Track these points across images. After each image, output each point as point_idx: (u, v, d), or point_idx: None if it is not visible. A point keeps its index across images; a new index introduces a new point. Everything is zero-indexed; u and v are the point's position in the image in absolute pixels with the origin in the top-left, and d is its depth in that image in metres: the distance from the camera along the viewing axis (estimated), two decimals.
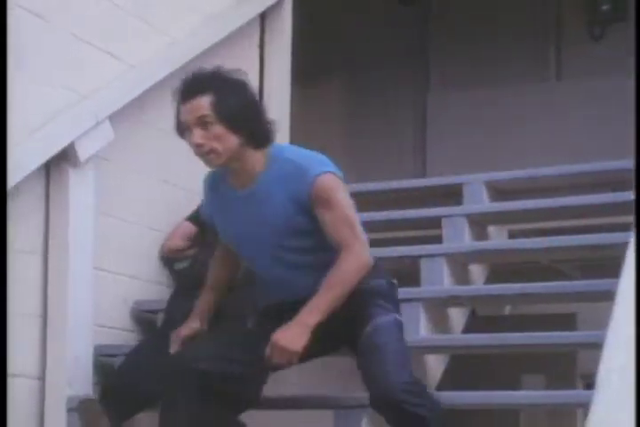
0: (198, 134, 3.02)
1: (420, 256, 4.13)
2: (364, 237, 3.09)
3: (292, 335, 2.95)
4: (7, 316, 3.23)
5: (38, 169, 3.75)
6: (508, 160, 6.00)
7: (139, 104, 4.24)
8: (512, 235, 4.77)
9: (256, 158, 3.08)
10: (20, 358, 3.68)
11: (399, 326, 3.13)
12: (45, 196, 3.85)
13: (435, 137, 7.09)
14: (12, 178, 3.57)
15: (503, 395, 3.41)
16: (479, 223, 4.50)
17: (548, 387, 4.96)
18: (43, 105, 3.81)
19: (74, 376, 3.78)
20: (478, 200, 4.62)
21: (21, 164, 3.63)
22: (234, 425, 3.23)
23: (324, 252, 3.09)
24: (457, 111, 6.95)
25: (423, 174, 6.91)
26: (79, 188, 3.89)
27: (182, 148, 4.52)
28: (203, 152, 3.04)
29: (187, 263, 4.31)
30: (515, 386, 5.09)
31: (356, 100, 7.32)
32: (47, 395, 3.74)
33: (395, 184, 5.04)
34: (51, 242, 3.83)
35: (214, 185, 3.24)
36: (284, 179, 3.04)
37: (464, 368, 4.16)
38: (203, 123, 3.01)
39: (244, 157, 3.06)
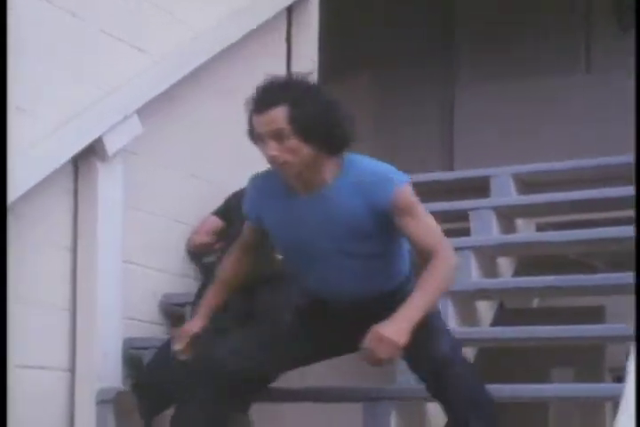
0: (273, 147, 2.97)
1: None
2: (447, 240, 3.11)
3: (398, 329, 2.89)
4: (7, 314, 3.24)
5: (67, 163, 3.77)
6: (535, 153, 5.98)
7: (166, 98, 4.26)
8: (540, 228, 4.75)
9: (329, 165, 3.04)
10: (50, 351, 3.71)
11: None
12: (74, 190, 3.87)
13: (462, 130, 7.08)
14: (41, 172, 3.60)
15: (532, 388, 3.41)
16: (507, 216, 4.49)
17: (577, 380, 4.94)
18: (71, 99, 3.83)
19: (103, 369, 3.80)
20: (506, 193, 4.61)
21: (50, 158, 3.66)
22: (245, 424, 3.25)
23: (377, 258, 3.11)
24: (484, 105, 6.93)
25: (450, 167, 6.90)
26: (107, 182, 3.91)
27: (210, 141, 4.57)
28: (277, 163, 3.00)
29: (214, 257, 4.33)
30: (544, 379, 5.07)
31: (383, 94, 7.31)
32: (77, 388, 3.77)
33: (422, 177, 5.01)
34: (79, 236, 3.85)
35: (267, 187, 3.18)
36: (362, 186, 3.02)
37: (492, 362, 4.15)
38: (278, 135, 2.96)
39: (317, 165, 3.02)
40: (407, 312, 2.91)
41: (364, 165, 3.07)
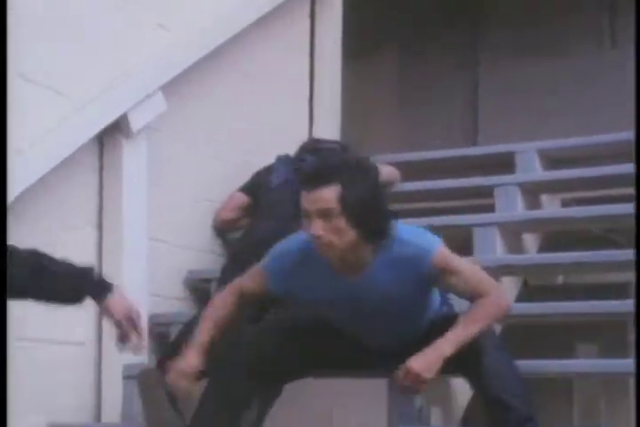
0: (319, 226, 2.93)
1: (473, 225, 4.12)
2: (497, 284, 3.16)
3: (429, 362, 2.95)
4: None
5: (92, 141, 3.78)
6: (561, 129, 5.95)
7: (190, 75, 4.26)
8: (565, 203, 4.74)
9: (368, 249, 3.03)
10: (77, 326, 3.74)
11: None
12: (99, 167, 3.89)
13: (487, 106, 7.04)
14: (67, 149, 3.62)
15: (557, 364, 3.41)
16: (532, 192, 4.48)
17: (602, 356, 4.93)
18: (96, 77, 3.83)
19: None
20: (531, 169, 4.59)
21: (75, 135, 3.67)
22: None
23: (416, 313, 3.19)
24: (509, 80, 6.90)
25: (475, 143, 6.88)
26: (132, 158, 3.92)
27: (233, 120, 4.58)
28: (320, 243, 2.96)
29: (239, 233, 4.34)
30: (568, 355, 5.07)
31: (407, 70, 7.28)
32: (103, 363, 3.80)
33: (447, 153, 5.02)
34: (105, 213, 3.87)
35: (306, 263, 3.10)
36: (402, 261, 3.03)
37: (517, 338, 4.15)
38: (326, 214, 2.92)
39: (357, 250, 3.00)
40: (439, 345, 2.97)
41: (398, 238, 3.03)
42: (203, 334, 3.14)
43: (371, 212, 2.94)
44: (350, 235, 2.94)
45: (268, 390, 3.22)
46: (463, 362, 3.02)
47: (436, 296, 3.22)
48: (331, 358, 3.26)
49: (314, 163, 3.01)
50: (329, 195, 2.90)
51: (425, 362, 2.94)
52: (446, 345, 2.96)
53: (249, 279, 3.18)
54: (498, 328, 3.90)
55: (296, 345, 3.19)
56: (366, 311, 3.09)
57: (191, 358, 3.08)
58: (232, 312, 3.17)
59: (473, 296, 3.04)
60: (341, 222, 2.92)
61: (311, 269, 3.08)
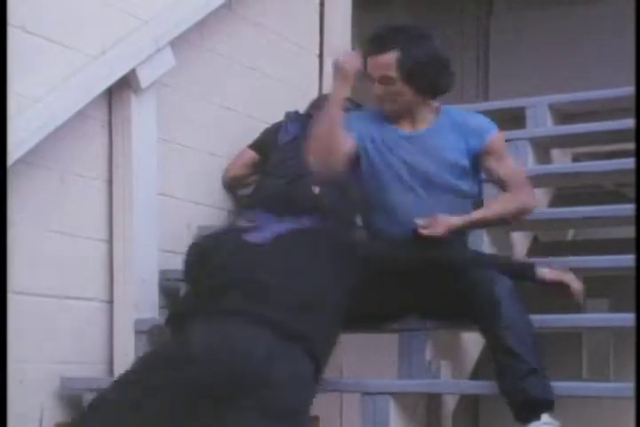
0: (380, 89, 3.27)
1: (484, 180, 4.10)
2: (532, 188, 3.42)
3: (449, 223, 3.24)
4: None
5: (101, 96, 3.77)
6: (572, 83, 5.91)
7: (199, 29, 4.23)
8: (576, 158, 4.72)
9: (429, 108, 3.35)
10: (88, 281, 3.76)
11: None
12: (108, 122, 3.88)
13: (497, 60, 7.00)
14: (76, 105, 3.61)
15: (567, 318, 3.41)
16: (542, 147, 4.46)
17: (612, 310, 4.95)
18: (104, 31, 3.81)
19: (140, 299, 3.85)
20: (542, 123, 4.57)
21: (84, 90, 3.66)
22: None
23: (459, 199, 3.36)
24: (520, 33, 6.85)
25: (486, 98, 6.84)
26: (141, 114, 3.91)
27: (244, 73, 4.56)
28: (380, 101, 3.30)
29: (250, 190, 4.34)
30: (578, 310, 5.08)
31: (418, 23, 7.22)
32: (115, 318, 3.82)
33: (458, 108, 4.98)
34: (114, 168, 3.87)
35: (372, 114, 3.41)
36: (463, 127, 3.34)
37: (526, 293, 4.16)
38: (385, 80, 3.24)
39: (419, 105, 3.32)
40: (463, 217, 3.26)
41: (462, 111, 3.46)
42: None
43: (428, 73, 3.25)
44: (409, 95, 3.26)
45: None
46: (481, 312, 3.04)
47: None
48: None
49: (375, 29, 3.32)
50: (387, 60, 3.22)
51: (447, 219, 3.21)
52: (467, 218, 3.27)
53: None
54: None
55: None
56: (419, 171, 3.29)
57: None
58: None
59: (508, 185, 3.33)
60: (400, 86, 3.24)
61: (376, 120, 3.37)
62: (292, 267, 2.97)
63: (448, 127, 3.33)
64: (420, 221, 3.20)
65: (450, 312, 3.20)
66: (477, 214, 3.31)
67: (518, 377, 2.96)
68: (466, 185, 3.36)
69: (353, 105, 4.30)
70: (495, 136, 3.35)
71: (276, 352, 2.76)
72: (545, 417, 2.93)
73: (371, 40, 3.27)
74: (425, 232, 3.19)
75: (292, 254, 3.02)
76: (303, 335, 2.82)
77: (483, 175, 3.46)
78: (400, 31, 3.27)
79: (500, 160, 3.34)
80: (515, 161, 3.43)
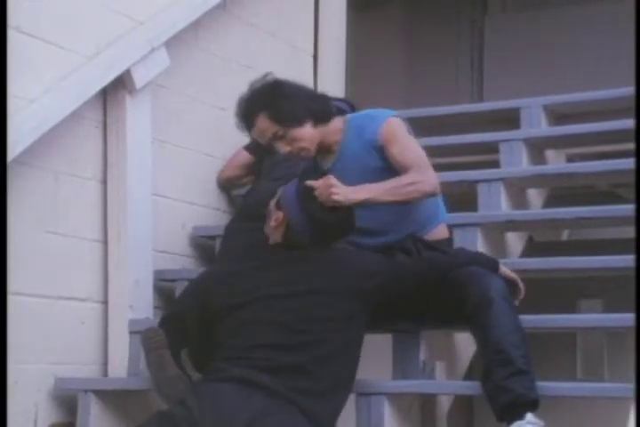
0: (282, 145, 3.29)
1: (478, 181, 4.11)
2: (431, 169, 3.24)
3: (355, 191, 3.13)
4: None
5: (96, 96, 3.77)
6: (567, 84, 5.92)
7: (194, 30, 4.23)
8: (570, 159, 4.73)
9: (334, 131, 3.34)
10: (82, 282, 3.75)
11: None
12: (103, 122, 3.88)
13: (492, 61, 7.00)
14: (71, 105, 3.61)
15: (562, 318, 3.42)
16: (537, 147, 4.47)
17: (606, 311, 4.95)
18: (99, 31, 3.81)
19: (135, 300, 3.85)
20: (536, 124, 4.58)
21: (78, 90, 3.66)
22: None
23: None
24: (515, 35, 6.85)
25: (480, 99, 6.85)
26: (136, 114, 3.91)
27: (238, 74, 4.56)
28: (294, 154, 3.32)
29: (245, 190, 4.34)
30: (572, 311, 5.09)
31: (412, 25, 7.23)
32: (109, 318, 3.82)
33: (452, 109, 5.00)
34: (109, 168, 3.87)
35: (309, 169, 3.45)
36: (360, 131, 3.32)
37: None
38: (277, 137, 3.28)
39: (324, 135, 3.32)
40: (357, 188, 3.14)
41: (359, 114, 3.42)
42: None
43: (303, 109, 3.27)
44: (307, 132, 3.28)
45: None
46: (471, 311, 3.05)
47: (437, 202, 3.36)
48: None
49: (235, 112, 3.37)
50: (263, 124, 3.27)
51: (350, 188, 3.12)
52: (363, 192, 3.13)
53: None
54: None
55: None
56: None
57: None
58: None
59: (407, 167, 3.20)
60: (293, 132, 3.27)
61: (313, 171, 3.38)
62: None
63: (353, 138, 3.33)
64: (312, 182, 3.16)
65: (442, 313, 3.20)
66: (373, 193, 3.15)
67: (504, 377, 2.96)
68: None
69: (349, 106, 4.31)
70: (384, 124, 3.28)
71: (266, 411, 2.81)
72: (529, 416, 2.92)
73: (238, 121, 3.34)
74: (317, 193, 3.14)
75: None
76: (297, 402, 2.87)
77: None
78: (253, 97, 3.30)
79: (395, 145, 3.25)
80: (414, 144, 3.27)
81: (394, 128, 3.29)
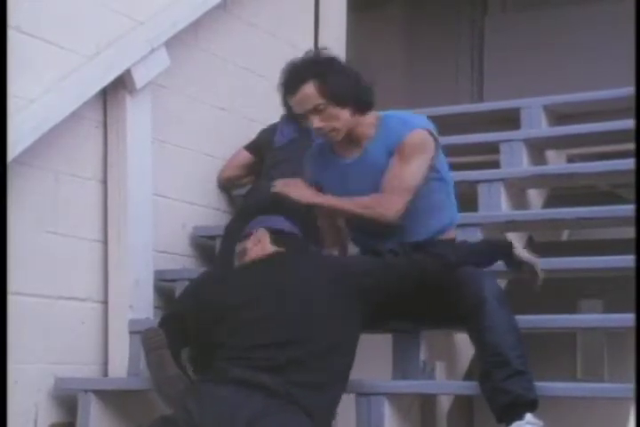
0: (316, 120, 3.21)
1: (478, 181, 4.11)
2: (406, 198, 3.20)
3: (296, 186, 3.28)
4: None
5: (96, 96, 3.77)
6: (567, 84, 5.92)
7: (194, 30, 4.23)
8: (570, 159, 4.73)
9: (366, 124, 3.29)
10: (83, 282, 3.75)
11: None
12: (103, 122, 3.88)
13: (492, 61, 7.00)
14: (71, 105, 3.61)
15: (562, 319, 3.42)
16: (537, 148, 4.47)
17: (606, 311, 4.95)
18: (99, 31, 3.81)
19: (135, 300, 3.84)
20: (536, 124, 4.58)
21: (79, 90, 3.66)
22: None
23: (420, 207, 3.26)
24: (515, 35, 6.85)
25: (481, 99, 6.85)
26: (136, 114, 3.91)
27: (240, 74, 4.56)
28: (324, 133, 3.24)
29: (245, 190, 4.34)
30: (572, 311, 5.09)
31: (412, 25, 7.23)
32: (110, 318, 3.81)
33: (452, 109, 5.00)
34: (109, 168, 3.87)
35: (319, 155, 3.41)
36: (388, 135, 3.26)
37: (521, 294, 4.16)
38: (316, 110, 3.20)
39: (357, 126, 3.27)
40: (315, 193, 3.27)
41: (394, 115, 3.32)
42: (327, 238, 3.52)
43: (350, 90, 3.20)
44: (344, 115, 3.21)
45: None
46: (466, 312, 3.05)
47: (447, 207, 3.33)
48: None
49: (282, 75, 3.28)
50: (308, 92, 3.19)
51: (292, 184, 3.29)
52: (319, 197, 3.26)
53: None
54: (503, 283, 3.92)
55: None
56: (357, 188, 3.24)
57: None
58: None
59: (383, 186, 3.20)
60: (332, 110, 3.20)
61: (325, 162, 3.36)
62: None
63: (382, 138, 3.27)
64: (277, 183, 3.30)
65: (440, 314, 3.20)
66: (330, 201, 3.25)
67: (502, 378, 2.96)
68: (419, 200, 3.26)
69: None
70: (410, 134, 3.21)
71: (267, 411, 2.81)
72: (529, 417, 2.92)
73: (284, 82, 3.25)
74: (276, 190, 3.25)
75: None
76: (297, 400, 2.86)
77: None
78: (308, 63, 3.24)
79: (399, 161, 3.20)
80: (417, 168, 3.19)
81: (413, 143, 3.20)
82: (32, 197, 3.56)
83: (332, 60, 3.26)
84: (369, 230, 3.27)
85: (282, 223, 3.30)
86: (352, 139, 3.29)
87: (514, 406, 2.94)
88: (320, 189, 3.38)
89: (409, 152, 3.20)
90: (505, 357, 2.98)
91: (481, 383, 3.02)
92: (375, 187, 3.23)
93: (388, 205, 3.18)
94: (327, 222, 3.51)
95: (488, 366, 3.00)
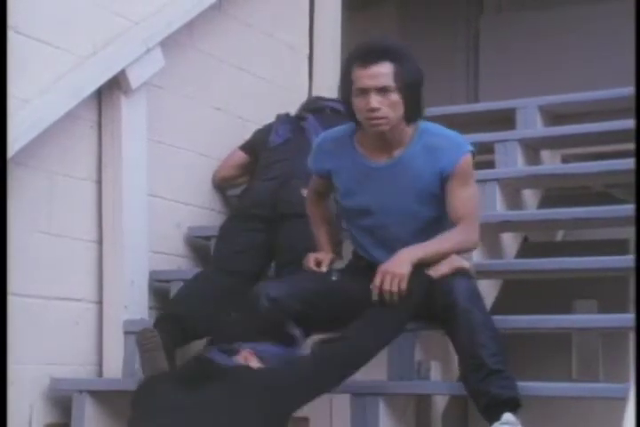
0: (376, 99, 3.10)
1: None
2: (477, 220, 3.26)
3: (399, 261, 3.08)
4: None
5: (91, 96, 3.76)
6: (563, 84, 5.92)
7: (189, 30, 4.23)
8: (565, 159, 4.73)
9: (404, 132, 3.21)
10: (78, 282, 3.75)
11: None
12: (98, 122, 3.87)
13: (488, 61, 7.00)
14: (66, 105, 3.61)
15: (556, 319, 3.42)
16: (532, 148, 4.47)
17: (601, 312, 4.95)
18: (95, 32, 3.81)
19: (130, 301, 3.84)
20: (531, 125, 4.58)
21: (74, 90, 3.65)
22: None
23: (433, 224, 3.26)
24: (510, 35, 6.85)
25: (476, 99, 6.85)
26: (131, 115, 3.91)
27: (235, 74, 4.56)
28: (376, 116, 3.12)
29: (240, 190, 4.34)
30: (567, 311, 5.08)
31: (407, 24, 7.23)
32: (104, 319, 3.81)
33: (447, 109, 4.99)
34: (104, 168, 3.86)
35: (339, 148, 3.30)
36: (434, 149, 3.20)
37: (516, 294, 4.16)
38: (382, 90, 3.10)
39: (398, 129, 3.18)
40: (411, 249, 3.11)
41: (436, 130, 3.25)
42: (320, 237, 3.45)
43: (417, 90, 3.15)
44: (401, 110, 3.12)
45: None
46: (441, 315, 3.07)
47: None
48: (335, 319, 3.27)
49: (367, 43, 3.19)
50: (385, 70, 3.09)
51: (396, 261, 3.09)
52: (413, 250, 3.12)
53: (312, 181, 3.45)
54: (497, 284, 3.92)
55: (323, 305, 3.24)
56: (385, 195, 3.20)
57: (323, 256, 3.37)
58: (321, 209, 3.48)
59: (457, 214, 3.19)
60: (396, 97, 3.10)
61: (344, 154, 3.26)
62: None
63: (421, 151, 3.20)
64: (375, 282, 3.07)
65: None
66: (431, 250, 3.15)
67: (478, 380, 2.97)
68: (433, 211, 3.25)
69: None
70: (463, 158, 3.19)
71: None
72: (506, 416, 2.92)
73: (365, 51, 3.14)
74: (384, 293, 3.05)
75: None
76: None
77: None
78: (391, 46, 3.17)
79: (463, 188, 3.20)
80: (475, 192, 3.28)
81: (469, 167, 3.21)
82: (27, 197, 3.56)
83: (412, 55, 3.18)
84: (393, 247, 3.20)
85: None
86: (385, 142, 3.20)
87: (492, 406, 2.95)
88: (329, 176, 3.33)
89: (467, 177, 3.22)
90: (479, 358, 2.98)
91: (464, 387, 3.02)
92: (407, 196, 3.19)
93: (473, 235, 3.22)
94: (323, 229, 3.48)
95: (465, 370, 3.02)
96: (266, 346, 3.07)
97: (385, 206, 3.24)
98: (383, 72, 3.09)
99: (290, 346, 3.13)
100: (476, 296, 3.13)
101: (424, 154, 3.20)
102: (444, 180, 3.20)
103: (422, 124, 3.25)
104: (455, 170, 3.18)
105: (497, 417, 2.92)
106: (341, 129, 3.33)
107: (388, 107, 3.10)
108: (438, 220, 3.26)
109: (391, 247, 3.21)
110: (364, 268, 3.31)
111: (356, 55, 3.15)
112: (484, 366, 2.97)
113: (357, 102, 3.14)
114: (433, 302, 3.09)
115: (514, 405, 2.95)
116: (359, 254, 3.41)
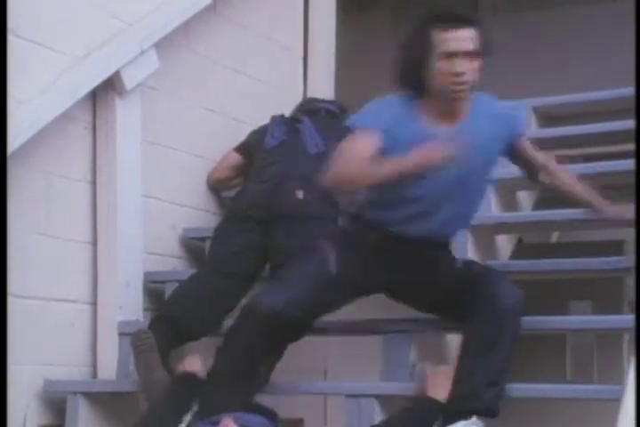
0: (464, 64, 3.02)
1: None
2: None
3: None
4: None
5: (85, 97, 3.76)
6: (559, 85, 5.92)
7: (184, 31, 4.23)
8: (560, 161, 4.72)
9: (469, 100, 3.16)
10: (72, 283, 3.75)
11: None
12: (92, 124, 3.87)
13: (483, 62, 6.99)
14: (60, 106, 3.60)
15: (551, 320, 3.42)
16: None
17: (596, 313, 4.96)
18: (89, 33, 3.81)
19: (124, 302, 3.84)
20: (526, 126, 4.57)
21: (69, 91, 3.65)
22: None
23: (482, 191, 3.38)
24: (506, 35, 6.83)
25: None
26: (126, 116, 3.91)
27: (230, 76, 4.56)
28: (462, 81, 3.04)
29: (234, 192, 4.34)
30: (562, 313, 5.08)
31: (402, 27, 7.22)
32: (99, 320, 3.81)
33: None
34: (98, 170, 3.86)
35: (404, 111, 3.14)
36: (500, 117, 3.21)
37: None
38: (470, 54, 3.03)
39: (469, 96, 3.13)
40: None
41: (492, 100, 3.25)
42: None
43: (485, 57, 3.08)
44: (479, 77, 3.07)
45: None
46: (480, 316, 3.10)
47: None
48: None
49: (445, 10, 3.18)
50: (473, 35, 3.04)
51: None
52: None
53: (360, 144, 3.08)
54: None
55: (320, 308, 3.21)
56: (454, 169, 3.05)
57: None
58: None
59: (541, 159, 3.40)
60: (479, 63, 3.05)
61: (410, 117, 3.11)
62: None
63: (482, 116, 3.16)
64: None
65: (446, 308, 3.22)
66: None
67: (478, 379, 2.99)
68: (494, 172, 3.37)
69: (338, 108, 4.30)
70: (524, 118, 3.41)
71: None
72: (474, 419, 2.96)
73: (449, 16, 3.08)
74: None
75: None
76: None
77: None
78: (471, 14, 3.28)
79: (525, 140, 3.38)
80: None
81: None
82: (21, 197, 3.55)
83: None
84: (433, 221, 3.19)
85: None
86: (454, 109, 3.12)
87: (479, 413, 2.99)
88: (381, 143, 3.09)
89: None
90: (491, 366, 3.02)
91: (457, 364, 3.07)
92: (472, 160, 3.10)
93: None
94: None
95: (472, 368, 3.04)
96: (251, 416, 2.99)
97: (440, 173, 3.06)
98: (471, 37, 3.03)
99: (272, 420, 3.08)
100: (522, 309, 3.14)
101: (486, 119, 3.17)
102: (514, 141, 3.29)
103: (475, 94, 3.18)
104: (521, 133, 3.32)
105: (465, 418, 2.95)
106: (394, 97, 3.19)
107: (472, 72, 3.04)
108: (485, 183, 3.35)
109: (432, 225, 3.19)
110: (377, 246, 3.21)
111: (439, 19, 3.07)
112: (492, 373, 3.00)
113: (440, 66, 3.02)
114: (477, 304, 3.11)
115: (491, 414, 2.99)
116: (373, 226, 3.22)
